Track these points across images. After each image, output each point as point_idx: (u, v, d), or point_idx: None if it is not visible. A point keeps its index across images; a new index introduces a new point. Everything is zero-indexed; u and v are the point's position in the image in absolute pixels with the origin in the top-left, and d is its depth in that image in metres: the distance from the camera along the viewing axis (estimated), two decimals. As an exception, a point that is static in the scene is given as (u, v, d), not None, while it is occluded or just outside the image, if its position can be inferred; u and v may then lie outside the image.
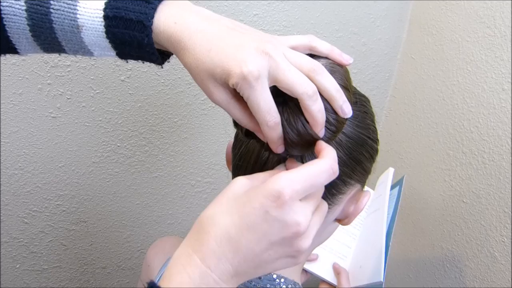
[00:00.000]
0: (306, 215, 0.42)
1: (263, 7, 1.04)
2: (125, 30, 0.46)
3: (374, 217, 0.91)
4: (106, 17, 0.46)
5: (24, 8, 0.47)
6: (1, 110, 0.91)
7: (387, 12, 1.21)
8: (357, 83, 1.27)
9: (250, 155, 0.52)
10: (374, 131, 0.55)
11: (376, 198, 0.95)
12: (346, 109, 0.45)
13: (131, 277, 1.24)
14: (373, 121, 0.55)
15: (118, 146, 1.05)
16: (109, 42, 0.48)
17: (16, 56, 0.86)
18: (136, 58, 0.50)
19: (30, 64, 0.89)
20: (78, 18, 0.46)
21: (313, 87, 0.43)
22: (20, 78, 0.89)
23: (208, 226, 0.41)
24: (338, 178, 0.49)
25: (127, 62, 0.52)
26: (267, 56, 0.42)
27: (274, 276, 0.57)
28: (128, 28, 0.46)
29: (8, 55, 0.85)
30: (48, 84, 0.92)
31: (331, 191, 0.52)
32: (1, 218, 1.01)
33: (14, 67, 0.88)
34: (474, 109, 1.07)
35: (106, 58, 0.93)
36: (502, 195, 1.01)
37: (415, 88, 1.25)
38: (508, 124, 0.99)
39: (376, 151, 0.56)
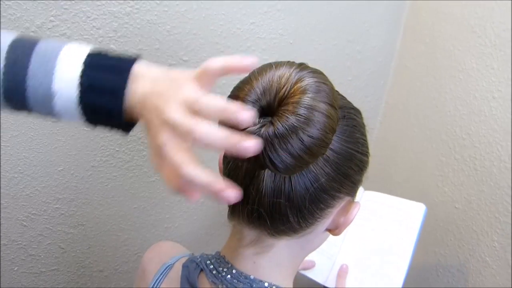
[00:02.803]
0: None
1: (259, 16, 1.06)
2: (97, 99, 0.48)
3: (386, 232, 0.92)
4: (81, 85, 0.47)
5: (2, 71, 0.47)
6: (1, 114, 0.92)
7: (382, 20, 1.23)
8: (352, 90, 1.29)
9: (238, 171, 0.52)
10: (364, 144, 0.55)
11: (390, 213, 0.94)
12: (241, 117, 0.43)
13: (128, 280, 1.25)
14: (363, 133, 0.55)
15: (117, 150, 1.06)
16: (81, 110, 0.48)
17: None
18: (104, 125, 0.51)
19: (31, 70, 0.90)
20: (52, 87, 0.47)
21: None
22: (21, 83, 0.91)
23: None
24: (326, 193, 0.51)
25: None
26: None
27: (266, 284, 0.57)
28: (101, 97, 0.47)
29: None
30: (49, 89, 0.94)
31: (320, 206, 0.52)
32: (1, 220, 1.02)
33: (15, 73, 0.89)
34: (466, 116, 1.09)
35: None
36: (493, 200, 1.03)
37: (409, 95, 1.27)
38: (499, 131, 1.01)
39: (366, 163, 0.56)
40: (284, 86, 0.48)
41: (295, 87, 0.47)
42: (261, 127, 0.47)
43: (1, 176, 0.98)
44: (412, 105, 1.27)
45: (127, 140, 1.06)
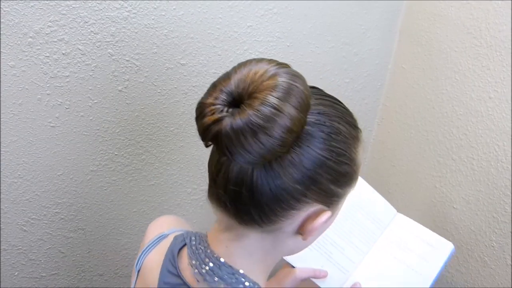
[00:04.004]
0: None
1: (256, 19, 1.07)
2: None
3: (408, 264, 0.93)
4: None
5: None
6: (1, 119, 0.93)
7: (378, 23, 1.24)
8: (349, 92, 1.30)
9: (214, 155, 0.55)
10: (342, 154, 0.54)
11: (411, 239, 0.95)
12: None
13: (128, 284, 1.25)
14: (345, 144, 0.55)
15: (116, 154, 1.07)
16: None
17: (16, 67, 0.89)
18: None
19: (29, 75, 0.91)
20: None
21: None
22: (20, 89, 0.91)
23: None
24: (289, 194, 0.52)
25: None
26: None
27: (234, 270, 0.59)
28: None
29: (8, 65, 0.88)
30: (47, 94, 0.94)
31: (281, 205, 0.53)
32: (1, 225, 1.02)
33: (14, 78, 0.90)
34: (462, 117, 1.10)
35: (104, 68, 0.96)
36: (491, 200, 1.04)
37: (406, 97, 1.28)
38: (496, 131, 1.02)
39: (344, 175, 0.56)
40: (256, 80, 0.49)
41: (266, 83, 0.48)
42: (225, 116, 0.48)
43: (1, 181, 0.98)
44: (409, 107, 1.27)
45: (126, 144, 1.06)
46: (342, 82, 1.27)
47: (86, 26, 0.91)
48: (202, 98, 0.51)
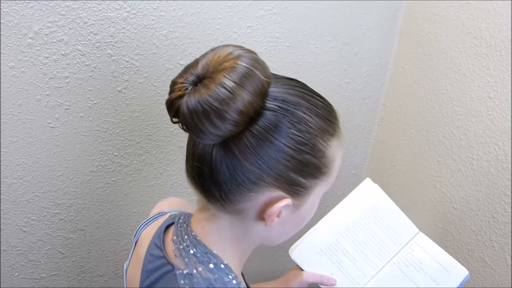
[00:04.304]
0: None
1: (256, 20, 1.07)
2: None
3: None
4: None
5: None
6: (1, 120, 0.93)
7: (378, 23, 1.24)
8: (350, 92, 1.30)
9: (188, 139, 0.59)
10: (302, 142, 0.55)
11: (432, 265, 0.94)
12: None
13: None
14: (306, 132, 0.56)
15: (115, 155, 1.07)
16: None
17: (15, 68, 0.89)
18: None
19: (29, 76, 0.91)
20: None
21: None
22: (19, 90, 0.91)
23: None
24: (245, 176, 0.54)
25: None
26: None
27: (207, 249, 0.61)
28: None
29: (7, 66, 0.88)
30: (47, 95, 0.94)
31: (239, 186, 0.55)
32: (0, 226, 1.02)
33: (13, 79, 0.90)
34: (462, 117, 1.10)
35: (104, 69, 0.96)
36: (491, 200, 1.04)
37: (406, 97, 1.28)
38: (496, 131, 1.02)
39: (307, 165, 0.57)
40: (217, 62, 0.51)
41: (225, 64, 0.51)
42: (185, 94, 0.51)
43: (1, 181, 0.98)
44: (409, 107, 1.27)
45: (125, 145, 1.06)
46: (342, 82, 1.27)
47: (85, 26, 0.91)
48: (174, 78, 0.54)
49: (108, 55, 0.96)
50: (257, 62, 0.52)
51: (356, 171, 1.44)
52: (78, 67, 0.94)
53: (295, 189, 0.58)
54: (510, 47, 0.97)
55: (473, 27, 1.05)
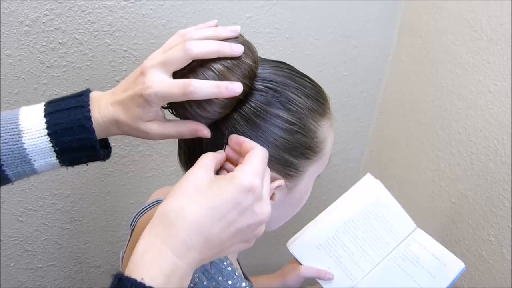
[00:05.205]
0: (269, 206, 0.48)
1: (256, 10, 1.06)
2: (69, 138, 0.52)
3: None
4: (49, 135, 0.51)
5: None
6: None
7: (378, 15, 1.23)
8: (349, 85, 1.30)
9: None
10: (292, 123, 0.57)
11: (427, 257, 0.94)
12: (235, 49, 0.54)
13: (125, 276, 1.25)
14: (297, 112, 0.57)
15: (113, 145, 1.06)
16: (56, 156, 0.53)
17: (12, 56, 0.88)
18: (83, 161, 0.56)
19: (26, 64, 0.90)
20: (24, 148, 0.51)
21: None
22: (16, 78, 0.91)
23: (177, 219, 0.44)
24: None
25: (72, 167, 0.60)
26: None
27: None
28: (73, 135, 0.52)
29: (4, 54, 0.87)
30: (44, 84, 0.93)
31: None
32: (-4, 216, 1.02)
33: (10, 67, 0.89)
34: (462, 111, 1.10)
35: (101, 58, 0.95)
36: (489, 195, 1.03)
37: (405, 90, 1.28)
38: (495, 125, 1.01)
39: (298, 145, 0.58)
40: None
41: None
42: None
43: (-3, 171, 0.98)
44: (408, 100, 1.27)
45: (122, 136, 1.06)
46: (341, 75, 1.27)
47: (83, 15, 0.90)
48: None
49: (106, 44, 0.95)
50: (245, 45, 0.55)
51: (355, 164, 1.44)
52: (76, 56, 0.93)
53: (287, 170, 0.59)
54: (511, 40, 0.97)
55: (474, 20, 1.04)
